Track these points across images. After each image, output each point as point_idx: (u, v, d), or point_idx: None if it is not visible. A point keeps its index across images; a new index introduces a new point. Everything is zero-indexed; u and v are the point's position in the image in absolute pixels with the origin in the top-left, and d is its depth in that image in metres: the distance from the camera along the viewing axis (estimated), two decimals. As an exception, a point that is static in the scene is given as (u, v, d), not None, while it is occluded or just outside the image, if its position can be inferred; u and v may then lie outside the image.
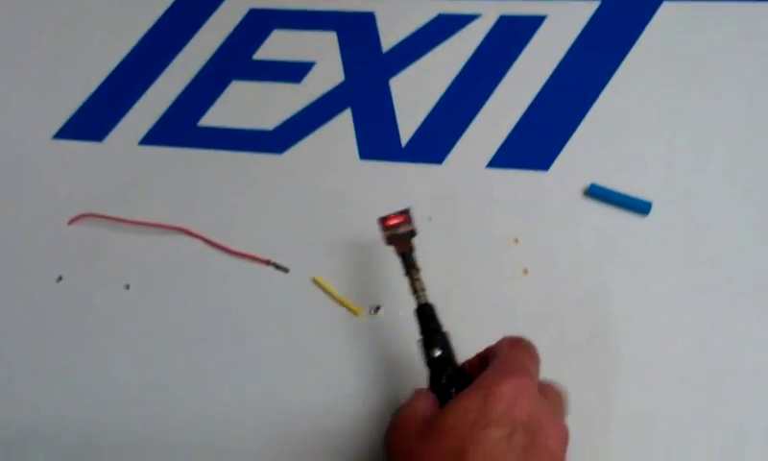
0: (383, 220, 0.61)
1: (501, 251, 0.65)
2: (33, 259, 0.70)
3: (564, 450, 0.45)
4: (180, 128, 0.77)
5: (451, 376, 0.51)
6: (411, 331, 0.61)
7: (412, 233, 0.60)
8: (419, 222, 0.67)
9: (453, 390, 0.50)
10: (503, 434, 0.44)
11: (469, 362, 0.53)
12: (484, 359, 0.52)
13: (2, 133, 0.79)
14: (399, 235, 0.60)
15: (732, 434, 0.55)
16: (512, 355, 0.50)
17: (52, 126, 0.79)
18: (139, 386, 0.63)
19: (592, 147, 0.69)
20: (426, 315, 0.54)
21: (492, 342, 0.59)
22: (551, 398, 0.49)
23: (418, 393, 0.51)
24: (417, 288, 0.56)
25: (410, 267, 0.57)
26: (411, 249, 0.58)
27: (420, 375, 0.59)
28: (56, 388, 0.64)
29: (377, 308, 0.64)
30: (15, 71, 0.84)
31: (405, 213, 0.61)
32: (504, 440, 0.44)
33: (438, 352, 0.52)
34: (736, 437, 0.55)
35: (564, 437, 0.46)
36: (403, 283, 0.63)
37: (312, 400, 0.61)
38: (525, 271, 0.64)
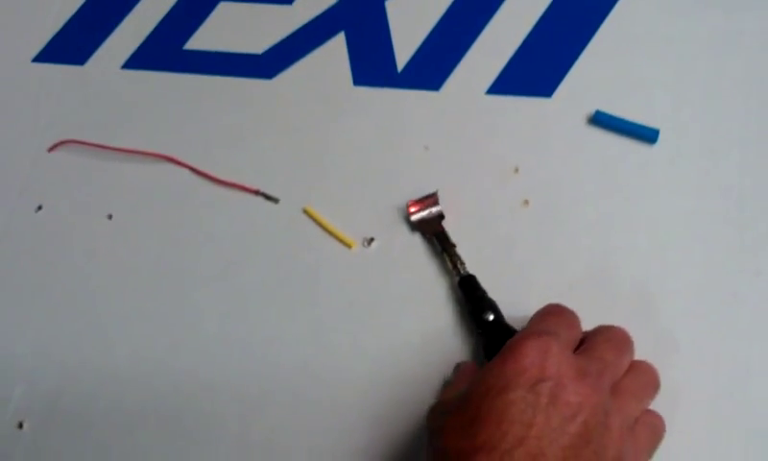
0: (410, 205, 0.61)
1: (501, 181, 0.62)
2: (11, 188, 0.68)
3: (592, 410, 0.43)
4: (164, 51, 0.73)
5: (507, 337, 0.51)
6: (405, 264, 0.60)
7: (441, 216, 0.60)
8: (415, 150, 0.64)
9: None
10: (519, 395, 0.43)
11: None
12: None
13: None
14: (428, 220, 0.60)
15: (740, 367, 0.54)
16: (538, 320, 0.50)
17: (31, 49, 0.75)
18: (121, 318, 0.61)
19: (597, 72, 0.66)
20: (471, 285, 0.57)
21: (490, 273, 0.57)
22: (638, 371, 0.49)
23: (458, 369, 0.53)
24: (456, 263, 0.58)
25: (445, 244, 0.59)
26: (442, 230, 0.59)
27: (411, 311, 0.58)
28: (35, 319, 0.62)
29: (371, 240, 0.61)
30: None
31: (432, 197, 0.61)
32: (520, 400, 0.43)
33: (491, 316, 0.55)
34: (744, 370, 0.53)
35: (592, 396, 0.43)
36: (395, 214, 0.62)
37: (301, 335, 0.59)
38: (526, 202, 0.61)
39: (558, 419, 0.42)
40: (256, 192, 0.64)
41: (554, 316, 0.50)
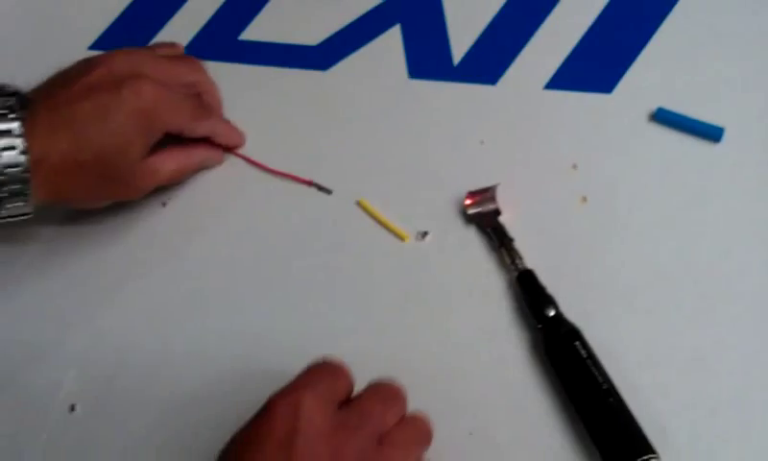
0: (467, 197, 0.60)
1: (559, 177, 0.61)
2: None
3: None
4: (220, 41, 0.73)
5: (568, 331, 0.53)
6: (460, 258, 0.59)
7: (498, 211, 0.60)
8: (470, 144, 0.64)
9: (577, 343, 0.52)
10: (269, 454, 0.43)
11: None
12: None
13: (38, 42, 0.77)
14: (485, 213, 0.60)
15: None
16: (300, 375, 0.48)
17: (88, 36, 0.76)
18: (175, 304, 0.61)
19: (660, 68, 0.64)
20: (530, 280, 0.56)
21: (547, 270, 0.56)
22: (407, 424, 0.48)
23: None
24: (514, 257, 0.57)
25: (503, 238, 0.58)
26: (499, 224, 0.59)
27: (466, 305, 0.57)
28: (89, 303, 0.62)
29: (425, 234, 0.60)
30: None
31: (490, 190, 0.60)
32: (270, 459, 0.43)
33: (552, 312, 0.54)
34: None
35: (346, 447, 0.44)
36: (450, 207, 0.61)
37: (353, 328, 0.58)
38: (584, 199, 0.60)
39: None
40: (310, 183, 0.64)
41: (317, 370, 0.48)
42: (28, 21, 0.79)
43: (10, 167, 0.53)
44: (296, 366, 0.48)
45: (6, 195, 0.54)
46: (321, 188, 0.64)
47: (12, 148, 0.53)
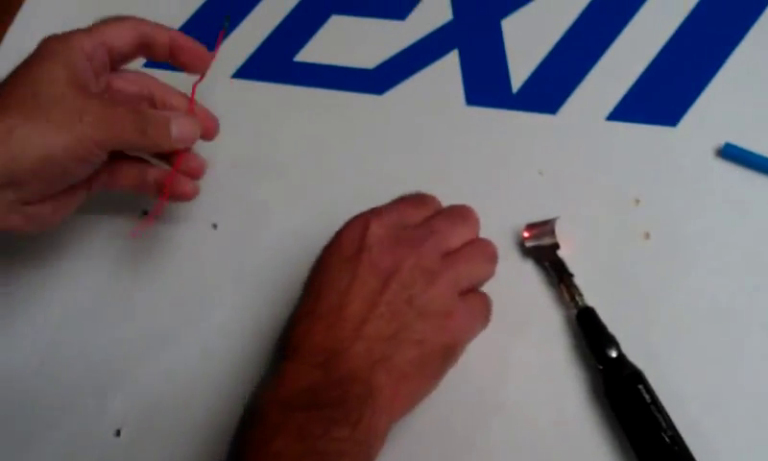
0: (525, 230, 0.59)
1: (620, 212, 0.59)
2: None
3: (409, 271, 0.48)
4: (275, 62, 0.73)
5: (631, 374, 0.51)
6: (516, 292, 0.57)
7: (556, 244, 0.58)
8: (528, 175, 0.62)
9: (640, 386, 0.50)
10: (336, 266, 0.49)
11: None
12: None
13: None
14: (543, 247, 0.58)
15: None
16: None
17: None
18: (221, 327, 0.60)
19: (728, 102, 0.62)
20: (591, 318, 0.54)
21: (608, 307, 0.54)
22: (474, 244, 0.52)
23: None
24: (574, 294, 0.56)
25: (563, 274, 0.57)
26: (558, 258, 0.57)
27: (522, 340, 0.55)
28: (136, 327, 0.62)
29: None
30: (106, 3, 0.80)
31: (549, 223, 0.59)
32: (338, 271, 0.48)
33: (614, 353, 0.52)
34: None
35: (408, 258, 0.48)
36: (507, 238, 0.59)
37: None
38: (647, 235, 0.58)
39: (375, 282, 0.47)
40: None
41: (399, 201, 0.53)
42: None
43: None
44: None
45: None
46: None
47: None
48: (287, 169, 0.66)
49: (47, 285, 0.64)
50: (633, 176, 0.61)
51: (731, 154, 0.59)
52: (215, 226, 0.64)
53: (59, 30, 0.55)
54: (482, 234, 0.59)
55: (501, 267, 0.58)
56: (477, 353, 0.56)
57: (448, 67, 0.69)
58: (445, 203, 0.61)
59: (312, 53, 0.73)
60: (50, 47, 0.53)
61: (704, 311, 0.55)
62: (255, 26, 0.75)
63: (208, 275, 0.63)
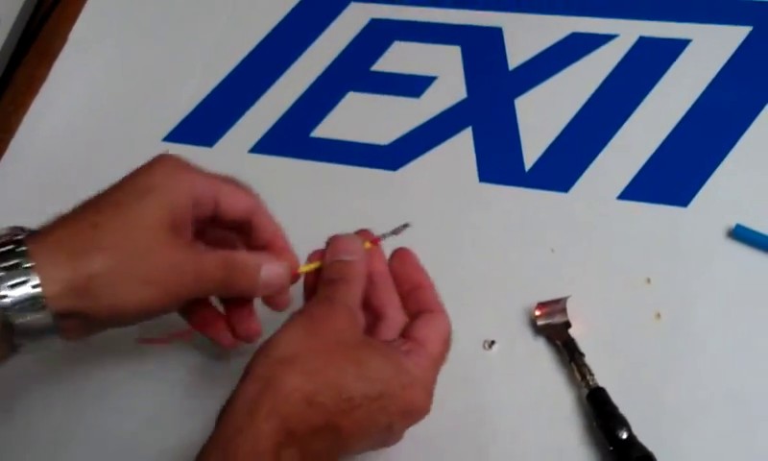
0: (538, 308, 0.59)
1: (632, 291, 0.60)
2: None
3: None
4: (291, 138, 0.74)
5: (642, 457, 0.51)
6: (528, 371, 0.57)
7: (568, 323, 0.58)
8: (540, 253, 0.62)
9: None
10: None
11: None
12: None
13: (114, 131, 0.78)
14: (555, 326, 0.58)
15: None
16: None
17: (163, 128, 0.77)
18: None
19: (739, 183, 0.63)
20: (602, 398, 0.54)
21: (619, 387, 0.54)
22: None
23: None
24: (585, 374, 0.55)
25: (574, 353, 0.57)
26: (569, 337, 0.57)
27: (533, 420, 0.55)
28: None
29: (492, 343, 0.59)
30: (130, 70, 0.82)
31: (561, 301, 0.59)
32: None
33: (624, 434, 0.52)
34: None
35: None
36: (519, 317, 0.59)
37: (414, 438, 0.56)
38: (658, 315, 0.58)
39: None
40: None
41: None
42: (101, 114, 0.80)
43: None
44: None
45: None
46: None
47: None
48: (301, 243, 0.66)
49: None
50: (644, 255, 0.61)
51: (742, 235, 0.60)
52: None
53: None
54: (495, 311, 0.60)
55: (513, 346, 0.59)
56: (489, 429, 0.56)
57: (462, 145, 0.70)
58: (458, 277, 0.62)
59: (328, 129, 0.74)
60: (161, 173, 0.50)
61: (715, 395, 0.55)
62: (273, 101, 0.77)
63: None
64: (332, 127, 0.74)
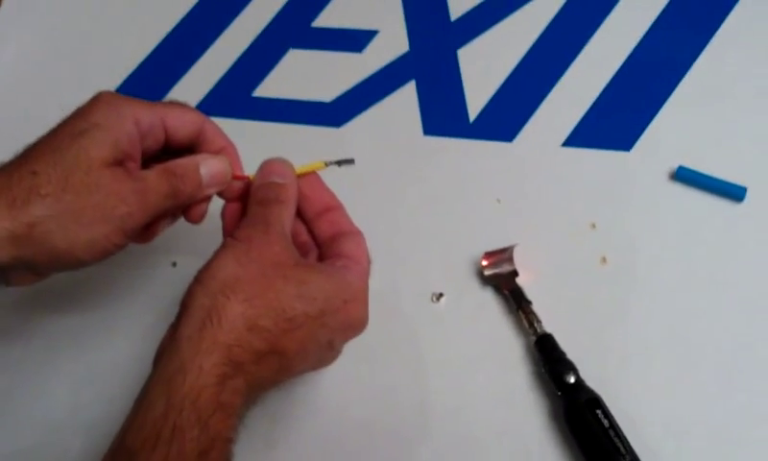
0: (484, 258, 0.59)
1: (577, 237, 0.60)
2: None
3: None
4: (233, 98, 0.73)
5: (589, 399, 0.51)
6: (476, 321, 0.57)
7: (514, 274, 0.58)
8: (486, 203, 0.62)
9: (598, 411, 0.51)
10: None
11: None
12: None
13: (54, 96, 0.75)
14: (502, 275, 0.58)
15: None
16: None
17: (111, 82, 0.75)
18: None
19: (680, 126, 0.63)
20: (549, 345, 0.55)
21: (566, 332, 0.55)
22: None
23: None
24: (532, 321, 0.56)
25: (521, 301, 0.57)
26: (517, 286, 0.57)
27: (482, 369, 0.55)
28: (99, 370, 0.61)
29: (440, 295, 0.59)
30: (68, 31, 0.80)
31: (507, 250, 0.59)
32: None
33: (572, 378, 0.52)
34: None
35: None
36: (466, 268, 0.59)
37: (367, 387, 0.56)
38: (603, 259, 0.59)
39: None
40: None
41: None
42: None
43: None
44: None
45: None
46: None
47: None
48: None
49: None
50: (589, 201, 0.61)
51: (684, 176, 0.60)
52: (174, 264, 0.64)
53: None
54: (442, 263, 0.60)
55: (461, 297, 0.59)
56: (438, 380, 0.56)
57: (406, 98, 0.70)
58: (404, 231, 0.62)
59: (270, 88, 0.73)
60: (99, 112, 0.49)
61: (660, 335, 0.55)
62: (213, 61, 0.75)
63: (169, 313, 0.62)
64: (274, 85, 0.73)
